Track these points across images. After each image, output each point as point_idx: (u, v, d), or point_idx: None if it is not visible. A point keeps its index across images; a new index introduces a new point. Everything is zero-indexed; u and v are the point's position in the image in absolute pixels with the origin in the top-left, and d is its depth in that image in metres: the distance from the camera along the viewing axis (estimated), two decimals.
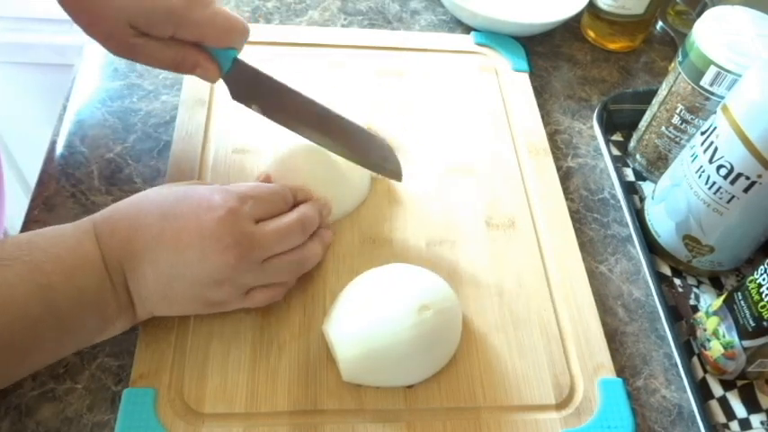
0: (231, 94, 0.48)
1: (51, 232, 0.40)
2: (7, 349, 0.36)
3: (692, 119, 0.55)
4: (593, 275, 0.54)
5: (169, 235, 0.40)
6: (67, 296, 0.38)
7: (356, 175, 0.53)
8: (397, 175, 0.50)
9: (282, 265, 0.44)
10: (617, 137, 0.65)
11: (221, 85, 0.59)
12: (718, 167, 0.48)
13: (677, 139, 0.57)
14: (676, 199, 0.53)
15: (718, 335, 0.48)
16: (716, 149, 0.48)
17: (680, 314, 0.53)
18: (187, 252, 0.40)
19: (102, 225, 0.40)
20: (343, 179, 0.52)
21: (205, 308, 0.43)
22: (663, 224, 0.55)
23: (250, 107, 0.48)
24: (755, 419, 0.48)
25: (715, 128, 0.48)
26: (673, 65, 0.57)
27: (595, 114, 0.64)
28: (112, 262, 0.40)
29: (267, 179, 0.48)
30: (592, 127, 0.65)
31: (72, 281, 0.38)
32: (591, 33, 0.73)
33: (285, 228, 0.43)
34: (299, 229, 0.44)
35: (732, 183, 0.47)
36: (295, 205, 0.46)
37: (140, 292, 0.41)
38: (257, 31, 0.65)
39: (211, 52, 0.46)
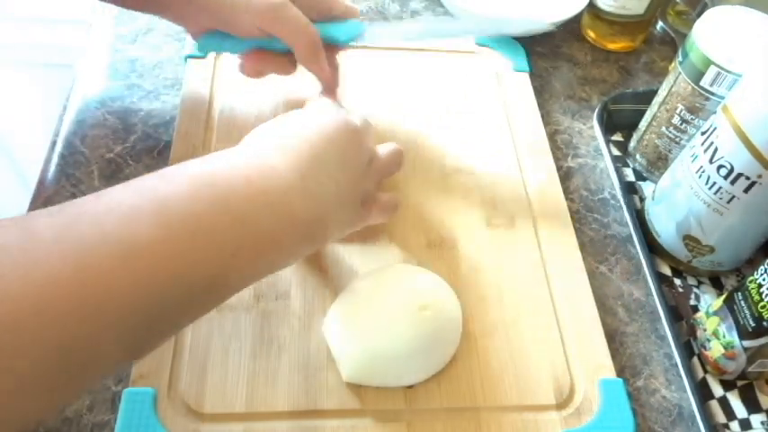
0: None
1: (216, 161, 0.38)
2: (208, 287, 0.34)
3: (692, 119, 0.55)
4: (593, 275, 0.54)
5: (323, 142, 0.41)
6: (263, 214, 0.36)
7: None
8: None
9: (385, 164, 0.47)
10: (617, 137, 0.65)
11: (222, 84, 0.60)
12: (719, 167, 0.48)
13: (677, 140, 0.57)
14: (676, 199, 0.53)
15: (718, 335, 0.48)
16: (716, 150, 0.48)
17: (680, 314, 0.53)
18: (344, 148, 0.42)
19: (268, 152, 0.39)
20: None
21: (357, 214, 0.44)
22: (663, 224, 0.55)
23: None
24: (756, 420, 0.48)
25: (715, 128, 0.48)
26: (673, 65, 0.57)
27: (595, 114, 0.64)
28: (293, 171, 0.39)
29: None
30: (592, 127, 0.65)
31: (266, 199, 0.37)
32: (591, 33, 0.73)
33: (399, 152, 0.49)
34: (401, 160, 0.50)
35: (732, 183, 0.47)
36: None
37: (321, 195, 0.40)
38: None
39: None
